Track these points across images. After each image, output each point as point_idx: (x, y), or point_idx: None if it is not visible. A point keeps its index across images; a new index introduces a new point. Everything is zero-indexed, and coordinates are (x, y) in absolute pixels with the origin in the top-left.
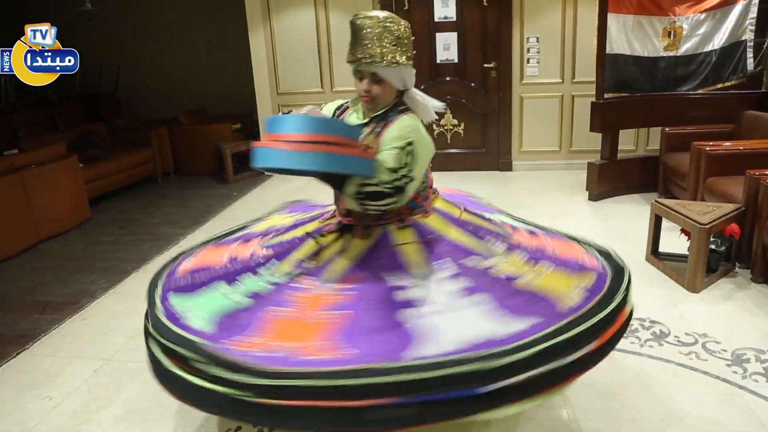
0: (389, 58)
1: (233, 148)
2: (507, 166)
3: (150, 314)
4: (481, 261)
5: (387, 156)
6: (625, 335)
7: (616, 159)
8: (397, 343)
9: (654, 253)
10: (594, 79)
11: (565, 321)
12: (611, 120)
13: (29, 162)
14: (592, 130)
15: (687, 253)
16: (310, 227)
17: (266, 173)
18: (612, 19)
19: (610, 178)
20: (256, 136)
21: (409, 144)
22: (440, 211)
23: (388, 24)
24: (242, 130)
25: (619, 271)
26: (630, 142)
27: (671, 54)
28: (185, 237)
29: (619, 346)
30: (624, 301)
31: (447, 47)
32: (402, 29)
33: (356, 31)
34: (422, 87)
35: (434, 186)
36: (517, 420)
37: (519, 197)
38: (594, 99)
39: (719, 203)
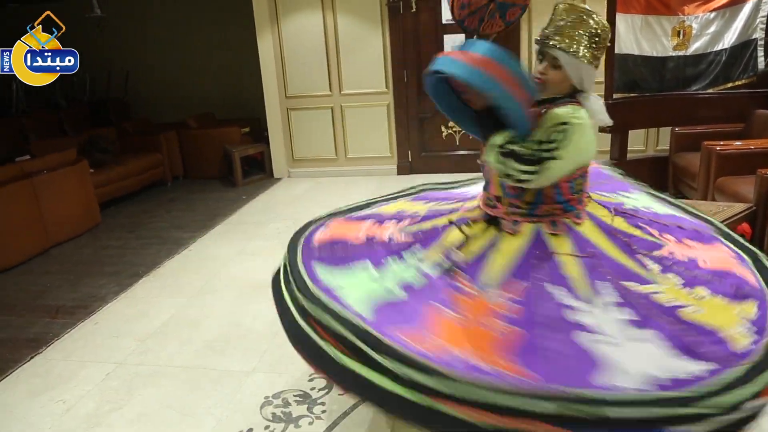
0: (575, 48)
1: (242, 151)
2: None
3: (296, 281)
4: (640, 286)
5: (540, 128)
6: None
7: (625, 159)
8: (581, 368)
9: None
10: (603, 79)
11: (742, 368)
12: (620, 120)
13: (40, 168)
14: (600, 130)
15: None
16: (453, 216)
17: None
18: (620, 20)
19: None
20: (264, 140)
21: (565, 124)
22: (592, 217)
23: (587, 17)
24: (250, 134)
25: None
26: (640, 143)
27: (680, 53)
28: (195, 241)
29: None
30: None
31: (455, 49)
32: (600, 28)
33: (555, 13)
34: None
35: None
36: None
37: None
38: (603, 99)
39: (730, 203)
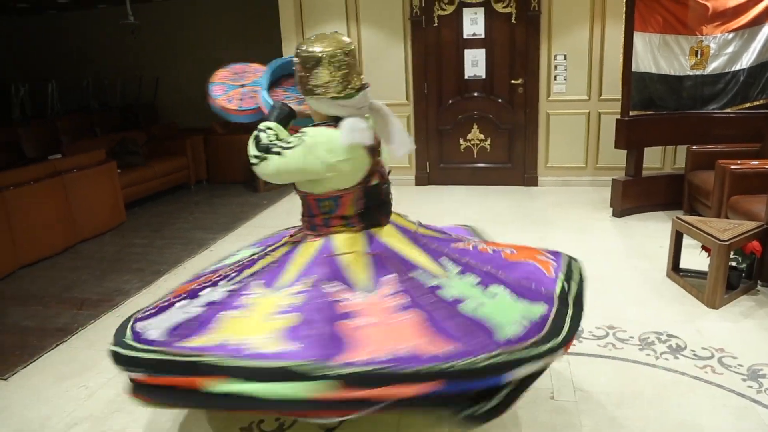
0: (299, 86)
1: None
2: (532, 182)
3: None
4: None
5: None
6: (640, 348)
7: (641, 176)
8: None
9: (674, 269)
10: (619, 96)
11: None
12: (636, 137)
13: (71, 166)
14: (617, 147)
15: (707, 270)
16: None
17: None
18: (638, 38)
19: (634, 195)
20: None
21: (303, 134)
22: (396, 225)
23: (308, 57)
24: None
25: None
26: (657, 160)
27: (698, 73)
28: (216, 242)
29: (633, 357)
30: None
31: (475, 63)
32: (296, 62)
33: None
34: (450, 102)
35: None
36: (529, 426)
37: (542, 213)
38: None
39: (741, 221)
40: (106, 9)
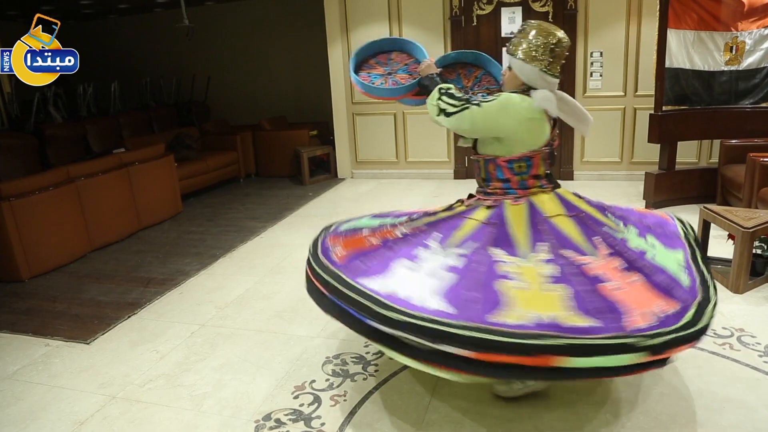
0: (514, 50)
1: (310, 152)
2: (568, 176)
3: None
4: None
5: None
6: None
7: (674, 169)
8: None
9: None
10: (653, 92)
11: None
12: (669, 132)
13: (134, 159)
14: (650, 141)
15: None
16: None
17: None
18: (672, 35)
19: (667, 188)
20: (330, 142)
21: (500, 93)
22: (532, 204)
23: (529, 29)
24: (318, 137)
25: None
26: (693, 155)
27: (733, 68)
28: (266, 229)
29: None
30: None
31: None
32: (542, 36)
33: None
34: None
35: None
36: (555, 384)
37: None
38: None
39: (766, 210)
40: (162, 12)
